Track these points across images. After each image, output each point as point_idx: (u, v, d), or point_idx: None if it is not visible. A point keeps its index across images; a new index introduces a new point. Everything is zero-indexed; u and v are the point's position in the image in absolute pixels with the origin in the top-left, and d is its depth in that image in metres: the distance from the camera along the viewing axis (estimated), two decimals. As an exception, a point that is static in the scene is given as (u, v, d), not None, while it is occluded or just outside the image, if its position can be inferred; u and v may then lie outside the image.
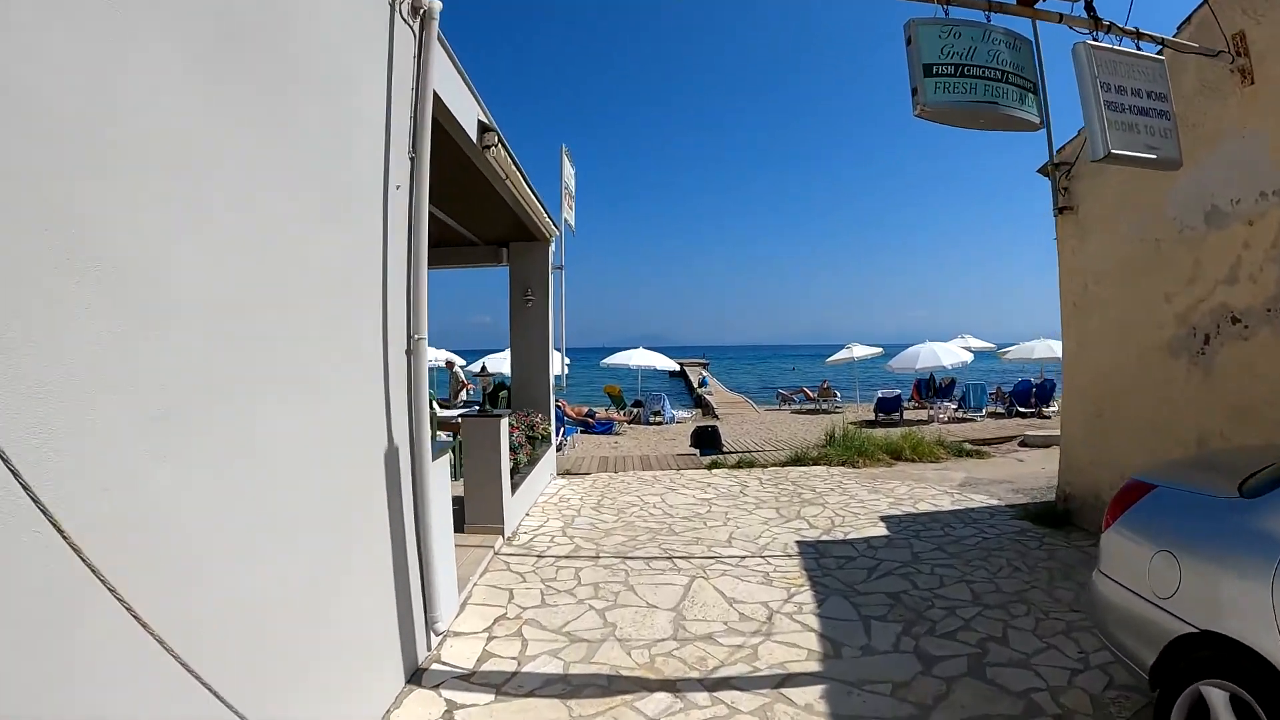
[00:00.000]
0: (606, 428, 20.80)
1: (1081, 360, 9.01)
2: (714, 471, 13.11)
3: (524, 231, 12.18)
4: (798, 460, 13.73)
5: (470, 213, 11.17)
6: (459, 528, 7.67)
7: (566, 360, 24.81)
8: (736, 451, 15.19)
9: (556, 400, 23.32)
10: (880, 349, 29.77)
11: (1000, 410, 23.80)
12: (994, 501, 10.27)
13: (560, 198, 12.78)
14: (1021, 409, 23.39)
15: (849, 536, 8.52)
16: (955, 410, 23.13)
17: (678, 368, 25.83)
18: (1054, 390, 24.45)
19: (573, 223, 13.85)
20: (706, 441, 15.14)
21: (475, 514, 8.50)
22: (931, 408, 23.45)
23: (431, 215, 8.67)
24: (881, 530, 8.82)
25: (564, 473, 13.22)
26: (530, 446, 11.10)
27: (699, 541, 8.41)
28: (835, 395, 28.99)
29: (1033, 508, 9.54)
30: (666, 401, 24.53)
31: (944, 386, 29.33)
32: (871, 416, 24.56)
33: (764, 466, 13.45)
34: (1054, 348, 26.06)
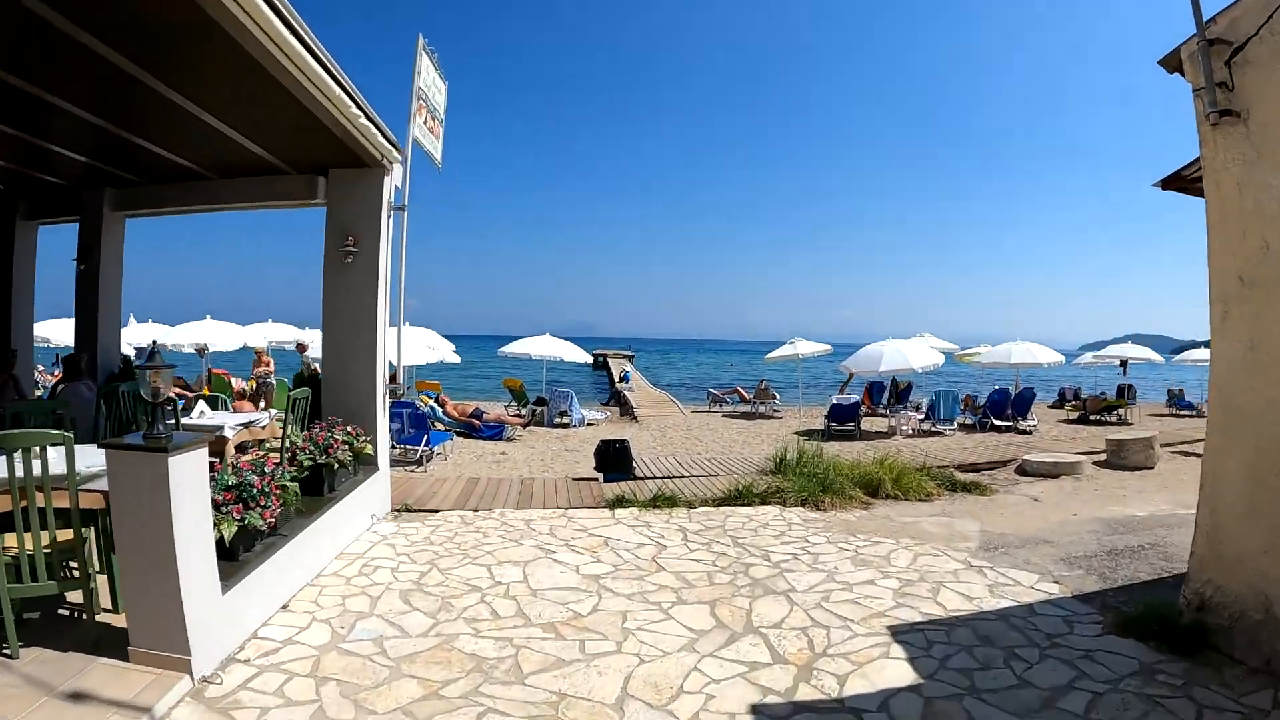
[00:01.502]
0: (496, 432, 16.73)
1: (1255, 374, 5.19)
2: (618, 513, 9.11)
3: (346, 153, 8.13)
4: (739, 495, 9.82)
5: (252, 118, 7.33)
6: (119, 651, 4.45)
7: (451, 348, 20.87)
8: (654, 477, 11.24)
9: (428, 398, 19.21)
10: (828, 347, 26.10)
11: (969, 422, 20.29)
12: (1051, 587, 6.62)
13: (410, 109, 8.79)
14: (997, 422, 19.95)
15: (848, 691, 4.65)
16: (922, 421, 19.55)
17: (590, 359, 21.58)
18: (1032, 400, 21.22)
19: (436, 154, 9.81)
20: (613, 463, 11.20)
21: (141, 632, 4.47)
22: (892, 417, 19.84)
23: (197, 121, 6.96)
24: (901, 669, 4.98)
25: (403, 508, 9.14)
26: (324, 481, 7.07)
27: (562, 702, 4.42)
28: (774, 397, 25.30)
29: (1130, 609, 5.87)
30: (574, 400, 20.44)
31: (902, 391, 25.88)
32: (819, 425, 20.89)
33: (691, 506, 9.53)
34: (1034, 352, 22.85)
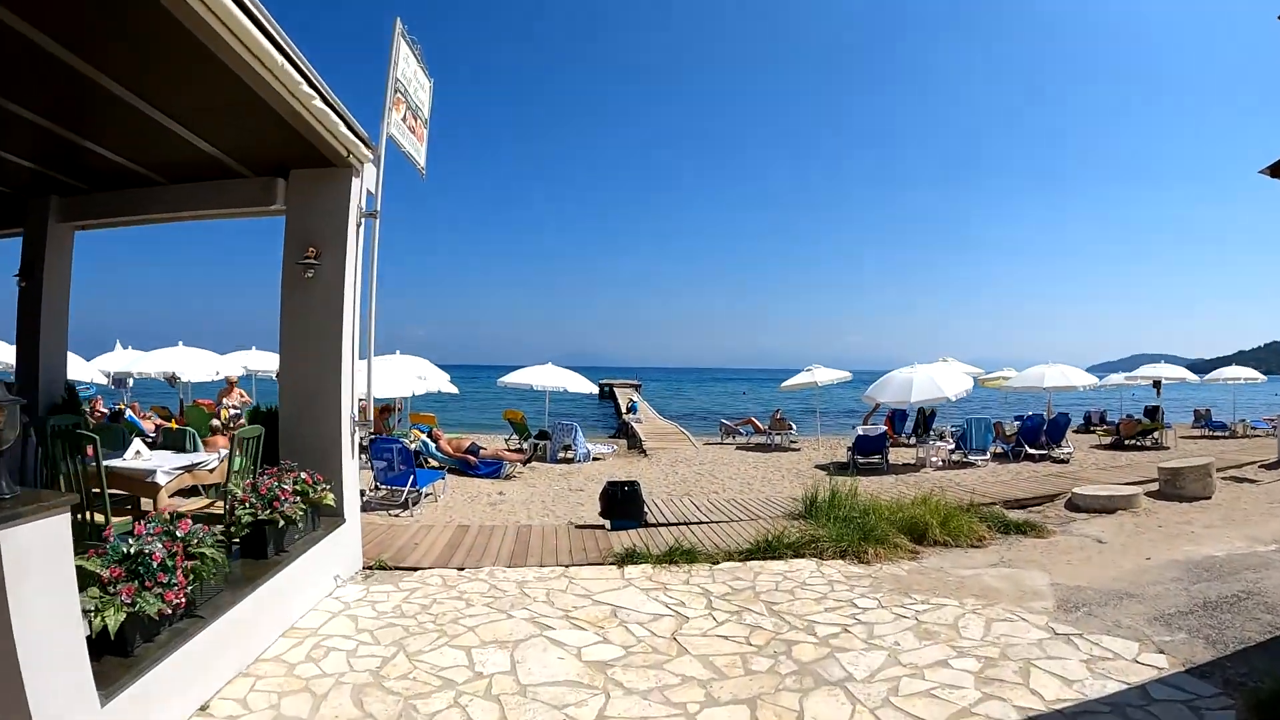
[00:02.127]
0: (493, 469, 15.43)
1: None
2: (628, 572, 7.82)
3: (307, 150, 6.99)
4: (768, 547, 8.52)
5: (188, 100, 6.22)
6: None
7: (446, 378, 19.62)
8: (668, 524, 9.97)
9: (419, 433, 18.01)
10: (847, 374, 24.72)
11: (1000, 450, 18.92)
12: (1158, 659, 5.45)
13: (386, 102, 7.68)
14: (1031, 450, 18.59)
15: None
16: (952, 452, 18.20)
17: (595, 389, 20.34)
18: (1067, 426, 19.90)
19: (419, 157, 8.70)
20: (621, 508, 9.91)
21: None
22: (920, 448, 18.51)
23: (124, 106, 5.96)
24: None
25: (377, 564, 7.88)
26: (267, 540, 5.86)
27: None
28: (790, 427, 23.96)
29: (1260, 686, 4.75)
30: (579, 433, 19.14)
31: (926, 419, 24.56)
32: (841, 457, 19.58)
33: (713, 560, 8.24)
34: (1068, 375, 21.50)
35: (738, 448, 23.42)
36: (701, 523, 10.00)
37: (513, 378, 20.22)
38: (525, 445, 19.94)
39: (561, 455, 19.19)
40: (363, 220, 7.76)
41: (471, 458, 15.56)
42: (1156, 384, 27.26)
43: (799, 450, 22.47)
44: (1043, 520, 10.85)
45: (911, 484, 15.14)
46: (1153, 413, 24.23)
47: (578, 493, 13.87)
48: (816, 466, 18.09)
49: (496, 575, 7.61)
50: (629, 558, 8.15)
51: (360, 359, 7.86)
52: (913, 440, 21.35)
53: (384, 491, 12.02)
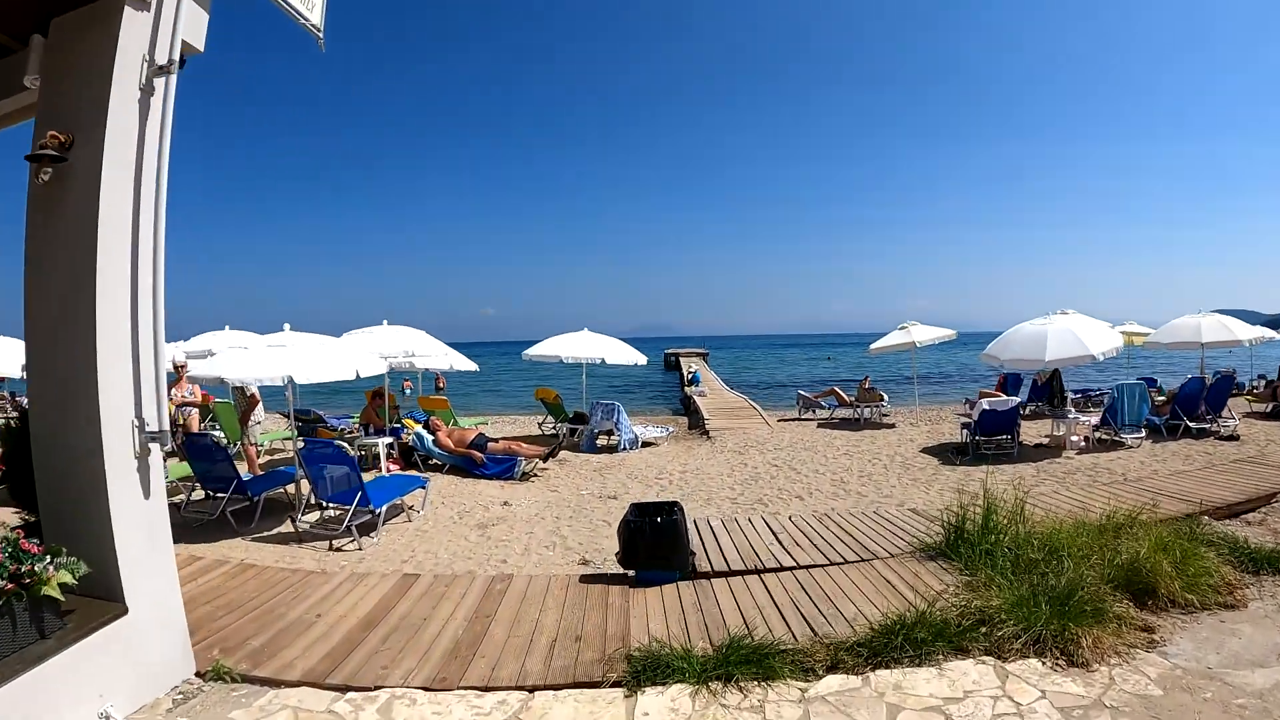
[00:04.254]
0: (505, 468, 12.03)
1: None
2: (644, 706, 4.29)
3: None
4: (904, 634, 4.87)
5: None
6: None
7: (447, 353, 16.23)
8: (727, 573, 6.43)
9: (413, 422, 14.35)
10: (951, 332, 20.69)
11: (1149, 424, 14.91)
12: None
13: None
14: (1190, 423, 14.66)
15: None
16: (1096, 428, 14.32)
17: (641, 359, 16.54)
18: (1229, 391, 16.04)
19: (307, 12, 5.25)
20: (649, 553, 6.30)
21: None
22: (1058, 424, 14.63)
23: None
24: None
25: (213, 672, 4.61)
26: None
27: None
28: (882, 398, 20.12)
29: None
30: (621, 414, 15.55)
31: (1040, 385, 20.55)
32: (950, 436, 15.83)
33: (806, 672, 4.59)
34: (1230, 327, 17.32)
35: (819, 424, 19.66)
36: (782, 569, 6.46)
37: (539, 349, 16.58)
38: (558, 427, 16.53)
39: (600, 442, 15.73)
40: (153, 80, 4.34)
41: (477, 454, 12.17)
42: None
43: (894, 427, 18.68)
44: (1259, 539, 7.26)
45: (1059, 476, 11.47)
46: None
47: (610, 501, 10.42)
48: (924, 451, 14.34)
49: (397, 713, 4.20)
50: (650, 670, 4.56)
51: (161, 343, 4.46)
52: (1029, 410, 17.48)
53: (333, 510, 8.79)
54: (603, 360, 15.87)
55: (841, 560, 6.61)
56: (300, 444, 9.19)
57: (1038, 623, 4.90)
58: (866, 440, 16.25)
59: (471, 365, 16.80)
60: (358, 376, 9.62)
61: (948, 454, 13.89)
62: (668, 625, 5.25)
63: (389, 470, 12.28)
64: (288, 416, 17.17)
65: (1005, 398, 13.93)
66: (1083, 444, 14.00)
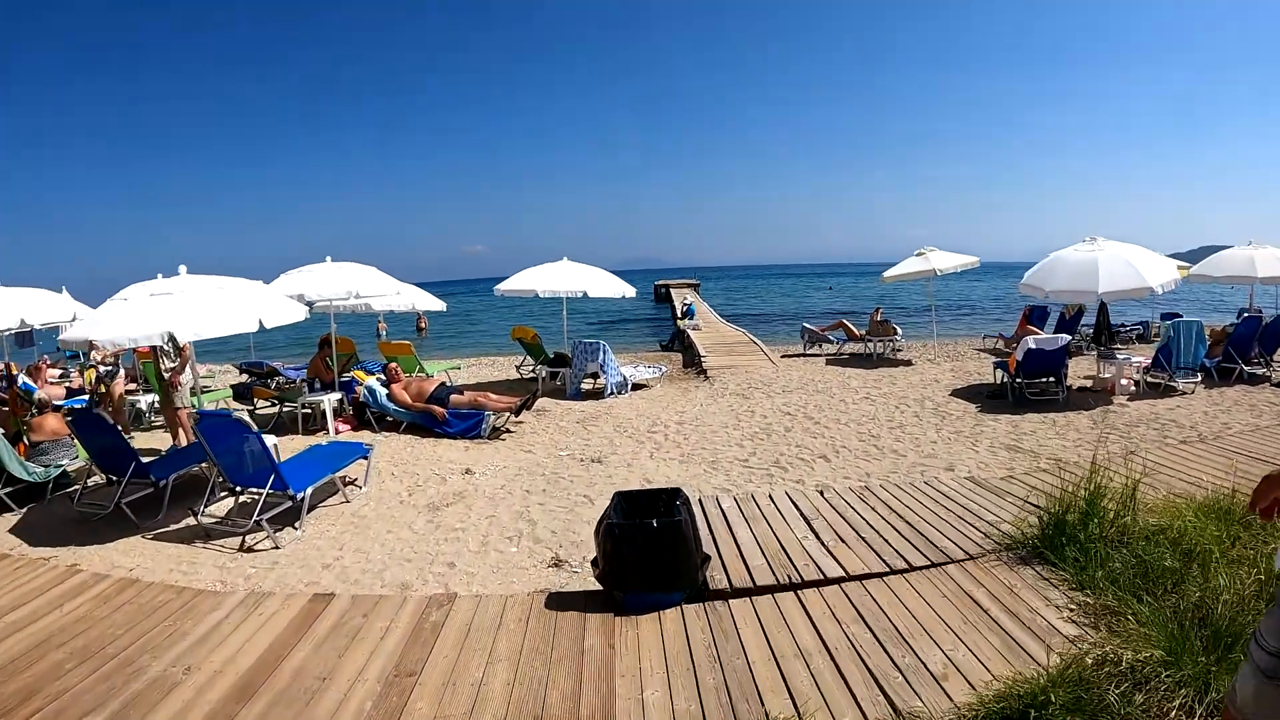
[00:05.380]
0: (471, 424, 10.33)
1: None
2: None
3: None
4: (1026, 711, 3.27)
5: None
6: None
7: (425, 296, 14.37)
8: (748, 591, 4.74)
9: (364, 373, 12.08)
10: (974, 259, 18.74)
11: (1205, 363, 13.34)
12: None
13: None
14: (1246, 367, 13.13)
15: None
16: (1146, 371, 12.72)
17: (629, 291, 14.68)
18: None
19: None
20: (644, 568, 4.62)
21: None
22: (1106, 366, 13.01)
23: None
24: None
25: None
26: None
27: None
28: (896, 331, 18.46)
29: None
30: (607, 354, 13.73)
31: (1069, 319, 18.94)
32: (980, 376, 14.22)
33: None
34: None
35: (829, 361, 18.02)
36: (827, 581, 4.79)
37: (512, 283, 14.59)
38: (538, 373, 14.82)
39: (585, 386, 14.04)
40: None
41: (438, 409, 10.44)
42: None
43: (911, 364, 17.07)
44: None
45: (1122, 430, 9.91)
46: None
47: (593, 467, 8.74)
48: (954, 395, 12.70)
49: None
50: None
51: None
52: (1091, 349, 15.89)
53: (247, 496, 7.09)
54: (585, 294, 13.99)
55: (906, 565, 4.94)
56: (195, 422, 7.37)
57: (1200, 676, 3.33)
58: (886, 380, 14.61)
59: (438, 304, 15.00)
60: (261, 327, 7.81)
61: (983, 398, 12.29)
62: (671, 694, 3.61)
63: (337, 432, 10.60)
64: (242, 370, 15.47)
65: (1053, 336, 12.19)
66: (1132, 388, 12.43)
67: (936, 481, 7.07)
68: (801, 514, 6.01)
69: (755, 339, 22.38)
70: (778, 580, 4.77)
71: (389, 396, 10.81)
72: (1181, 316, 14.73)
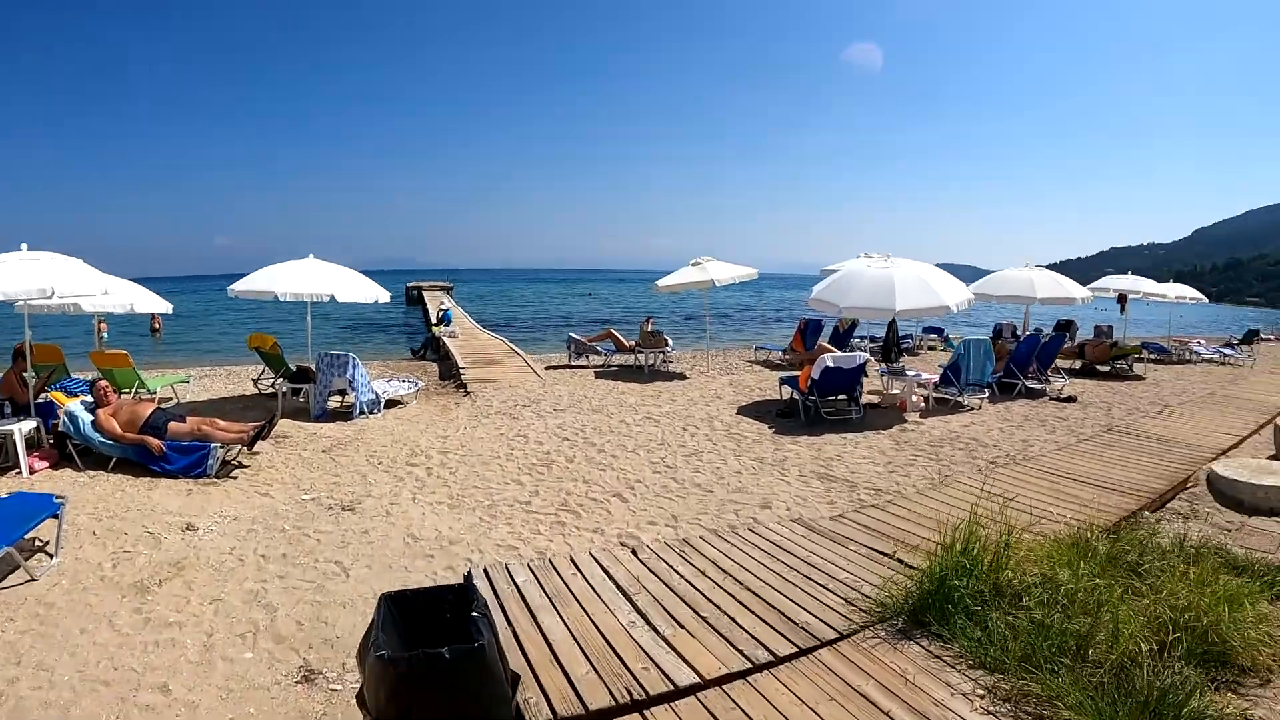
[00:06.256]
0: (196, 459, 8.43)
1: None
2: None
3: None
4: None
5: None
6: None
7: (147, 295, 11.84)
8: None
9: (62, 395, 9.06)
10: (752, 271, 18.40)
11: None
12: None
13: None
14: (1028, 383, 14.21)
15: None
16: (932, 389, 12.73)
17: (382, 295, 12.95)
18: (1057, 349, 16.19)
19: None
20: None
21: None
22: (893, 383, 12.86)
23: None
24: None
25: None
26: None
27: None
28: (667, 343, 17.89)
29: None
30: (356, 368, 12.01)
31: (841, 333, 19.31)
32: (763, 391, 13.75)
33: None
34: (1063, 284, 16.92)
35: (597, 374, 17.11)
36: (678, 692, 3.68)
37: (248, 283, 12.48)
38: (279, 387, 12.88)
39: (332, 405, 12.28)
40: None
41: (153, 441, 8.48)
42: (1122, 300, 23.78)
43: (685, 377, 16.51)
44: (1246, 550, 5.95)
45: (927, 449, 9.90)
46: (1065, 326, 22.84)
47: (345, 517, 7.15)
48: (741, 413, 12.11)
49: None
50: None
51: None
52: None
53: None
54: (332, 297, 12.19)
55: (771, 657, 4.00)
56: None
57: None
58: (663, 396, 13.86)
59: (162, 305, 12.78)
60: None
61: (773, 416, 11.85)
62: None
63: (32, 471, 8.36)
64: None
65: (850, 354, 11.81)
66: (922, 405, 12.38)
67: (760, 526, 6.26)
68: (618, 586, 4.90)
69: (518, 349, 21.12)
70: (615, 699, 3.62)
71: (95, 424, 8.68)
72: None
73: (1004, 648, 3.85)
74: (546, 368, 18.06)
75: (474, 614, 3.38)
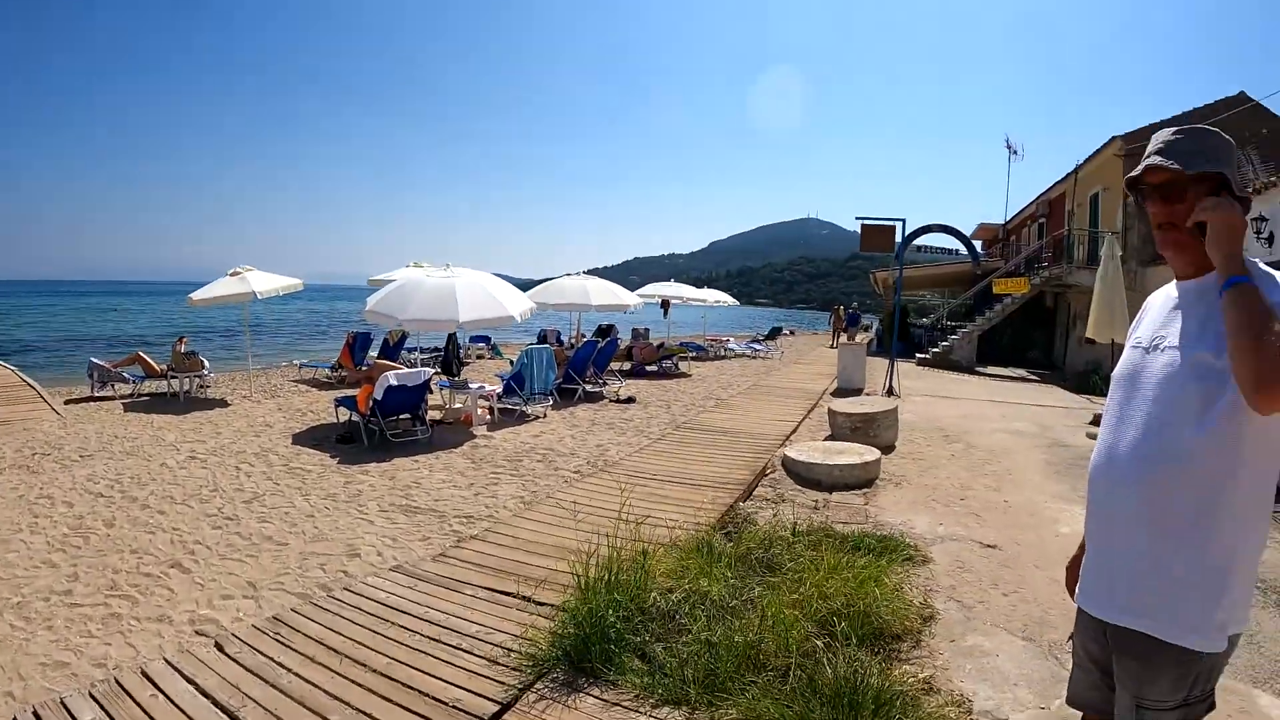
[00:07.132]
0: None
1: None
2: None
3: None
4: None
5: None
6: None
7: None
8: None
9: None
10: (298, 282, 17.37)
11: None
12: None
13: None
14: (588, 387, 15.72)
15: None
16: (496, 400, 13.07)
17: None
18: (612, 354, 18.20)
19: None
20: None
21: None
22: (458, 396, 12.95)
23: None
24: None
25: None
26: None
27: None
28: (203, 365, 16.39)
29: None
30: None
31: (392, 346, 19.38)
32: (315, 413, 13.22)
33: None
34: (616, 293, 19.46)
35: (127, 407, 15.26)
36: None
37: None
38: None
39: None
40: None
41: None
42: (665, 304, 27.07)
43: (227, 404, 15.40)
44: (844, 524, 7.04)
45: (508, 465, 10.19)
46: (606, 331, 24.38)
47: None
48: (297, 442, 11.44)
49: None
50: None
51: None
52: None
53: None
54: None
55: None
56: None
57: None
58: (207, 428, 12.67)
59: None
60: None
61: (332, 443, 11.32)
62: None
63: None
64: None
65: (414, 370, 11.55)
66: (488, 418, 12.59)
67: (357, 584, 5.74)
68: (215, 703, 4.00)
69: (30, 379, 18.25)
70: None
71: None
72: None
73: (682, 676, 3.88)
74: (66, 401, 15.69)
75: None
